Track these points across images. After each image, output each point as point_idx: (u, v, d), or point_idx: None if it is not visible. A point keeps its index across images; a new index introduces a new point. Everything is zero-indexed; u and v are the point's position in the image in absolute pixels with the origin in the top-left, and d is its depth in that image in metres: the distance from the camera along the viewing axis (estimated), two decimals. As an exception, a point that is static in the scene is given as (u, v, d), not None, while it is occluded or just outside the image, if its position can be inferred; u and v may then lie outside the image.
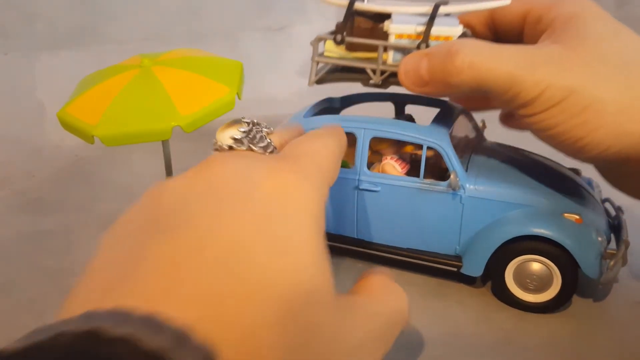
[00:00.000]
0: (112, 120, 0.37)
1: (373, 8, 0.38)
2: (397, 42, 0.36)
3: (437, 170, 0.43)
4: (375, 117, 0.43)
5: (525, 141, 0.43)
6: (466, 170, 0.41)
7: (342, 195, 0.43)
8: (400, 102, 0.51)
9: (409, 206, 0.41)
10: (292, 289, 0.16)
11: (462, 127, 0.45)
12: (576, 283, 0.38)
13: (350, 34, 0.38)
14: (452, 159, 0.40)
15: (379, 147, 0.46)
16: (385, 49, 0.37)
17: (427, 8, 0.36)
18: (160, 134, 0.37)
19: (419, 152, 0.45)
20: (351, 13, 0.38)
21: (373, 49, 0.38)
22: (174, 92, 0.39)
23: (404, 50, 0.36)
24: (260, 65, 0.92)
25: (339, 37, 0.38)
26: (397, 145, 0.47)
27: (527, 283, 0.39)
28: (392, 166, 0.42)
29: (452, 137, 0.41)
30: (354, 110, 0.53)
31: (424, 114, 0.44)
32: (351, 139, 0.42)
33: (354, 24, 0.38)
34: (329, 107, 0.51)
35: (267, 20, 0.96)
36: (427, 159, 0.40)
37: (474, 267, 0.40)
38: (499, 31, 0.40)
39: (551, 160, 0.46)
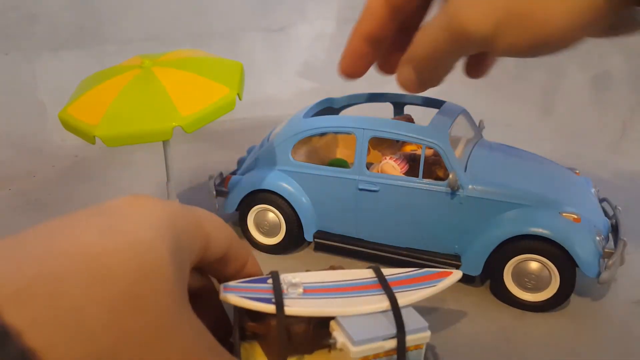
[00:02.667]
0: (113, 120, 0.37)
1: (309, 312, 0.28)
2: None
3: (436, 169, 0.43)
4: (374, 117, 0.43)
5: (524, 141, 0.43)
6: (465, 170, 0.41)
7: (341, 196, 0.43)
8: (399, 102, 0.52)
9: (408, 206, 0.42)
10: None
11: (461, 127, 0.45)
12: (574, 282, 0.39)
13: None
14: (451, 159, 0.40)
15: (378, 148, 0.46)
16: None
17: (382, 303, 0.29)
18: (161, 135, 0.37)
19: (418, 151, 0.45)
20: (283, 317, 0.27)
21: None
22: (174, 93, 0.39)
23: None
24: (260, 65, 0.92)
25: None
26: (396, 146, 0.48)
27: (525, 282, 0.40)
28: (392, 166, 0.42)
29: (451, 137, 0.41)
30: (353, 110, 0.53)
31: (423, 114, 0.44)
32: (351, 139, 0.42)
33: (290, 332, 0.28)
34: (329, 107, 0.52)
35: (267, 21, 0.96)
36: (426, 158, 0.41)
37: (473, 266, 0.41)
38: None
39: (549, 161, 0.47)
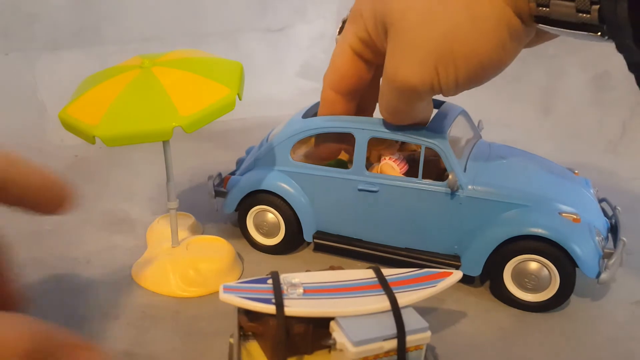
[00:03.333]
0: (113, 120, 0.37)
1: (309, 313, 0.29)
2: None
3: (436, 170, 0.43)
4: (373, 117, 0.43)
5: (523, 142, 0.43)
6: (464, 171, 0.41)
7: (341, 196, 0.43)
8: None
9: (407, 206, 0.42)
10: None
11: (460, 127, 0.45)
12: (574, 282, 0.39)
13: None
14: (450, 159, 0.40)
15: (377, 148, 0.46)
16: None
17: (382, 303, 0.29)
18: (161, 135, 0.37)
19: (417, 152, 0.45)
20: (283, 318, 0.28)
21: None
22: (174, 93, 0.39)
23: None
24: (260, 65, 0.92)
25: None
26: (396, 146, 0.48)
27: (525, 282, 0.40)
28: (391, 166, 0.42)
29: (450, 138, 0.41)
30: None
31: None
32: (350, 139, 0.42)
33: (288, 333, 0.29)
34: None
35: (267, 21, 0.96)
36: (425, 159, 0.41)
37: (473, 266, 0.41)
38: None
39: (549, 161, 0.47)
